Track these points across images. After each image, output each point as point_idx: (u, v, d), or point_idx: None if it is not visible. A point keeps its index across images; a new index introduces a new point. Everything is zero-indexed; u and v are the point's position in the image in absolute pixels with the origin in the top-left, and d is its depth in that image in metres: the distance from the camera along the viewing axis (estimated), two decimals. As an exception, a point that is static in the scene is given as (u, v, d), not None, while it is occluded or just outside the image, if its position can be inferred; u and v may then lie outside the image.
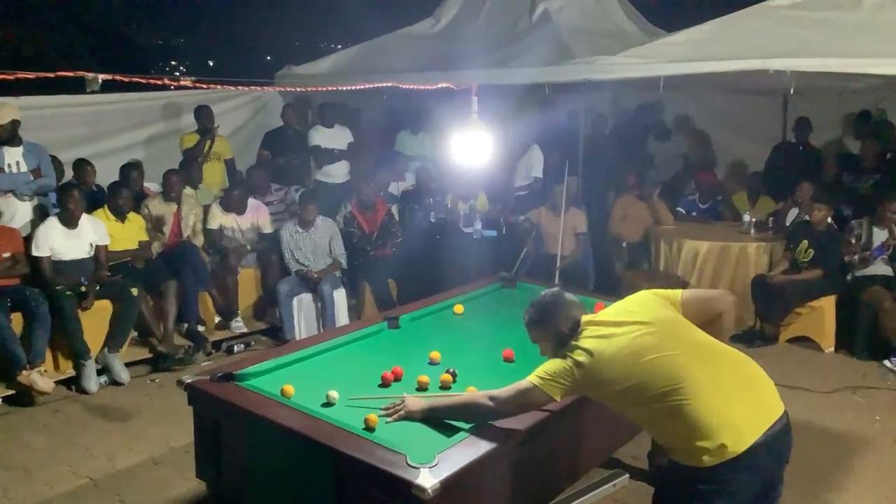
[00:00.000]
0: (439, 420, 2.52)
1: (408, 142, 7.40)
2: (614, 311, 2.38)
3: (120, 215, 5.23)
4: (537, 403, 2.35)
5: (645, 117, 7.79)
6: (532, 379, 2.30)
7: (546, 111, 7.41)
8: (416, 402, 2.59)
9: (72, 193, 4.81)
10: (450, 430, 2.49)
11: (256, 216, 5.89)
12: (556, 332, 2.38)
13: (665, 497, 2.27)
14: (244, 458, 2.72)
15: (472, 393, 2.54)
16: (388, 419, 2.56)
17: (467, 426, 2.50)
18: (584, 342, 2.25)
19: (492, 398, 2.40)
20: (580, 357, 2.22)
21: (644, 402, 2.13)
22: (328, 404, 2.73)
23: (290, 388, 2.77)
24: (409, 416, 2.55)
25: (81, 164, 5.55)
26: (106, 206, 5.23)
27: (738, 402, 2.10)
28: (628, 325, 2.24)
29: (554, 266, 5.73)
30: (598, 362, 2.19)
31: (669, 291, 2.41)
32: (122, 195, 5.23)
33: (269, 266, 5.80)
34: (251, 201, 5.90)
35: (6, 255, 4.69)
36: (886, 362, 5.08)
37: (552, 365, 2.29)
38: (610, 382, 2.18)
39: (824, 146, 6.97)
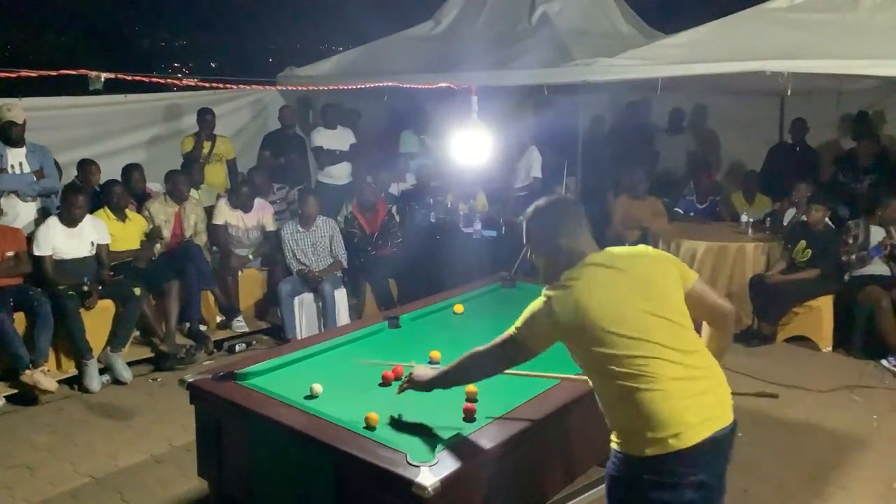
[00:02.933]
0: (444, 386, 2.47)
1: (412, 142, 7.43)
2: (628, 259, 2.15)
3: (119, 213, 5.25)
4: (519, 356, 2.20)
5: (634, 116, 7.80)
6: (511, 329, 2.16)
7: (545, 112, 7.43)
8: (423, 370, 2.56)
9: (76, 196, 4.84)
10: (450, 429, 2.51)
11: (261, 214, 5.94)
12: (549, 249, 2.19)
13: (615, 491, 2.15)
14: (245, 456, 2.74)
15: (467, 354, 2.35)
16: (398, 392, 2.59)
17: (468, 425, 2.53)
18: (576, 284, 2.06)
19: (480, 354, 2.28)
20: (561, 304, 2.03)
21: (608, 375, 2.02)
22: (311, 397, 2.77)
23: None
24: (416, 386, 2.49)
25: (86, 164, 5.58)
26: (106, 206, 5.26)
27: (697, 402, 2.01)
28: (634, 289, 2.06)
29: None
30: (580, 316, 2.01)
31: (687, 270, 2.22)
32: (116, 192, 5.25)
33: (274, 266, 5.84)
34: (257, 200, 5.94)
35: (9, 254, 4.71)
36: (884, 361, 5.10)
37: (530, 309, 2.12)
38: (584, 340, 2.03)
39: (821, 147, 6.99)
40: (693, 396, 2.01)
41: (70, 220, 4.85)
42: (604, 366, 2.02)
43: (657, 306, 2.06)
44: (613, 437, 2.11)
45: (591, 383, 2.16)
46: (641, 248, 2.25)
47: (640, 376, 1.98)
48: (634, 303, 2.05)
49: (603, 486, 3.43)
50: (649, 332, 2.01)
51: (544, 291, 2.12)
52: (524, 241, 2.31)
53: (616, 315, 2.01)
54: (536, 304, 2.12)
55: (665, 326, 2.05)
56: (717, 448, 2.03)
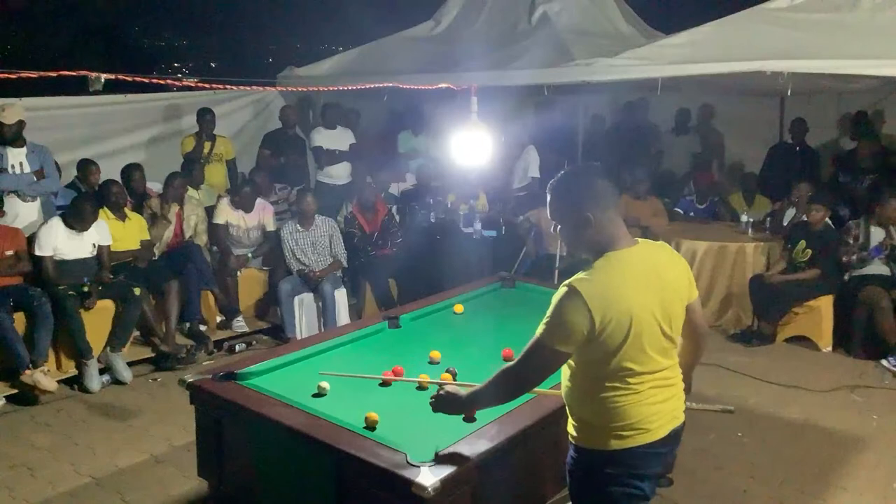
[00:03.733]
0: (479, 408, 2.34)
1: (409, 142, 7.43)
2: (655, 256, 2.09)
3: (119, 213, 5.26)
4: (552, 362, 2.00)
5: (633, 116, 7.80)
6: (537, 333, 2.00)
7: (545, 112, 7.44)
8: (453, 390, 2.33)
9: (89, 205, 4.87)
10: (450, 429, 2.51)
11: (262, 215, 5.94)
12: (578, 220, 2.04)
13: (579, 487, 2.13)
14: (245, 456, 2.75)
15: (499, 371, 2.15)
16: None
17: (469, 424, 2.53)
18: (605, 275, 1.97)
19: (511, 370, 2.10)
20: (589, 293, 1.91)
21: (596, 374, 2.00)
22: (319, 395, 2.78)
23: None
24: (446, 406, 2.30)
25: (86, 164, 5.59)
26: (105, 206, 5.26)
27: (665, 406, 2.06)
28: (654, 294, 2.00)
29: (553, 266, 5.76)
30: (605, 311, 1.91)
31: (692, 282, 2.20)
32: (114, 192, 5.25)
33: (274, 266, 5.85)
34: (258, 200, 5.95)
35: (9, 253, 4.72)
36: (884, 361, 5.10)
37: (555, 306, 1.97)
38: (597, 337, 1.93)
39: (821, 147, 6.99)
40: (663, 402, 2.06)
41: (80, 227, 4.86)
42: (599, 367, 1.99)
43: (665, 316, 2.04)
44: (573, 430, 2.10)
45: (566, 371, 2.09)
46: (666, 246, 2.22)
47: (627, 385, 2.00)
48: (652, 309, 1.99)
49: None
50: (653, 345, 2.00)
51: (567, 282, 1.98)
52: (549, 210, 2.13)
53: (635, 320, 1.95)
54: (560, 298, 1.96)
55: (663, 340, 2.04)
56: (674, 441, 2.12)
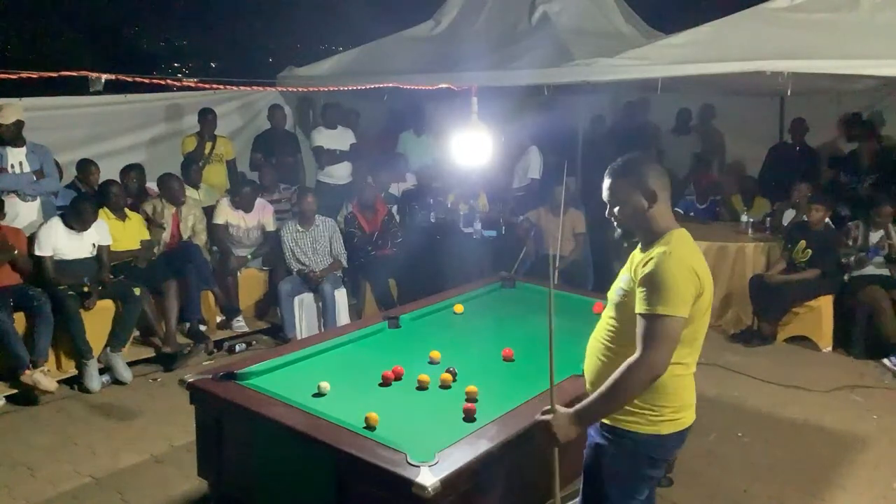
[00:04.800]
0: (608, 413, 2.12)
1: (411, 143, 7.44)
2: (698, 255, 2.13)
3: (119, 213, 5.26)
4: (680, 332, 2.00)
5: (633, 116, 7.80)
6: (654, 310, 1.95)
7: (545, 112, 7.44)
8: (563, 416, 2.12)
9: (88, 205, 4.87)
10: (450, 429, 2.51)
11: (262, 215, 5.94)
12: (645, 197, 2.12)
13: (619, 470, 2.14)
14: (245, 456, 2.75)
15: (622, 369, 2.01)
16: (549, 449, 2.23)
17: (468, 425, 2.53)
18: (685, 246, 2.08)
19: (643, 363, 1.97)
20: (689, 257, 2.04)
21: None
22: (319, 394, 2.78)
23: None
24: (564, 433, 2.11)
25: (85, 164, 5.59)
26: (105, 206, 5.26)
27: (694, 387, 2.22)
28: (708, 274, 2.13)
29: (553, 266, 5.76)
30: (703, 274, 2.05)
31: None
32: (114, 192, 5.25)
33: (274, 266, 5.85)
34: (258, 200, 5.96)
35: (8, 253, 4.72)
36: (885, 361, 5.10)
37: (662, 276, 1.97)
38: (693, 304, 2.03)
39: (821, 147, 6.99)
40: (693, 383, 2.20)
41: (80, 227, 4.87)
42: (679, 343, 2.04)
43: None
44: (625, 416, 2.10)
45: (617, 350, 2.12)
46: (697, 251, 2.21)
47: (684, 363, 2.11)
48: (712, 289, 2.12)
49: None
50: (706, 323, 2.13)
51: (661, 251, 2.03)
52: (610, 192, 2.18)
53: (706, 294, 2.07)
54: (665, 265, 1.99)
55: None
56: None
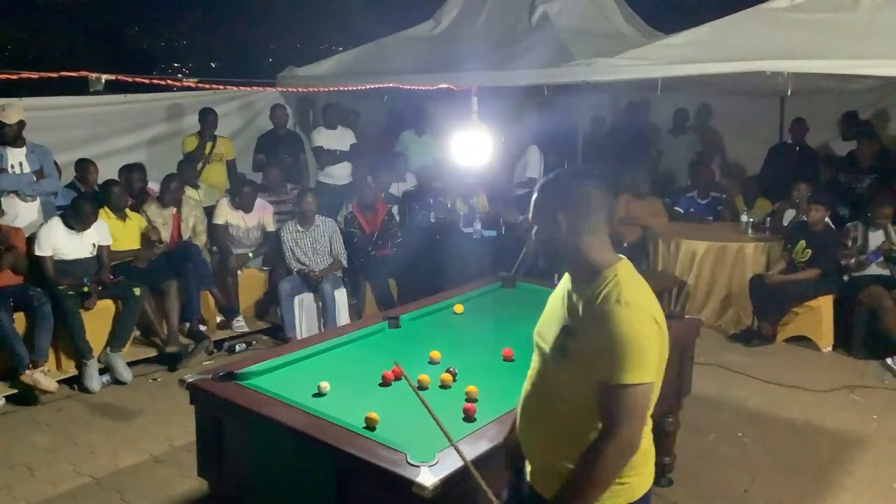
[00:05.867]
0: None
1: (411, 143, 7.44)
2: (650, 295, 1.78)
3: (119, 213, 5.26)
4: (650, 399, 1.71)
5: (634, 117, 7.80)
6: (620, 380, 1.63)
7: (545, 112, 7.44)
8: None
9: (88, 205, 4.87)
10: (450, 429, 2.50)
11: (262, 215, 5.95)
12: (574, 220, 1.75)
13: None
14: (245, 456, 2.75)
15: (588, 461, 1.70)
16: None
17: (468, 425, 2.53)
18: (636, 292, 1.71)
19: (615, 445, 1.66)
20: (648, 306, 1.69)
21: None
22: (319, 394, 2.78)
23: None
24: None
25: (84, 164, 5.59)
26: (106, 206, 5.26)
27: None
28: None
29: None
30: (661, 319, 1.72)
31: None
32: (115, 192, 5.25)
33: (274, 266, 5.85)
34: (258, 200, 5.96)
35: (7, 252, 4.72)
36: (889, 360, 5.09)
37: (621, 331, 1.64)
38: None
39: (821, 147, 7.00)
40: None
41: (80, 227, 4.87)
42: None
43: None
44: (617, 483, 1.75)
45: (573, 414, 1.77)
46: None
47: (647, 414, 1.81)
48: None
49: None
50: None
51: (618, 300, 1.68)
52: (534, 210, 1.85)
53: (666, 336, 1.76)
54: (627, 321, 1.65)
55: None
56: None
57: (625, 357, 1.63)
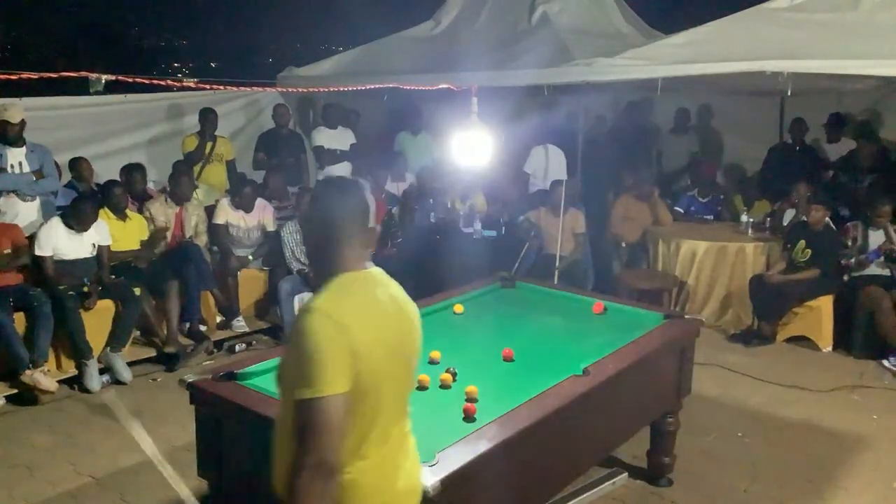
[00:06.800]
0: None
1: (407, 143, 7.44)
2: (363, 304, 1.69)
3: (119, 213, 5.26)
4: (335, 414, 1.56)
5: (635, 116, 7.80)
6: (302, 396, 1.55)
7: (545, 112, 7.44)
8: None
9: (88, 206, 4.88)
10: (450, 429, 2.51)
11: (262, 215, 5.95)
12: (325, 229, 1.72)
13: None
14: (245, 456, 2.75)
15: (286, 485, 1.61)
16: None
17: (468, 425, 2.53)
18: (337, 296, 1.66)
19: (298, 468, 1.56)
20: (333, 314, 1.60)
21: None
22: None
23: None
24: None
25: (77, 161, 5.60)
26: (106, 207, 5.26)
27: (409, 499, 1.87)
28: (403, 332, 1.75)
29: (553, 266, 5.77)
30: (362, 337, 1.61)
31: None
32: (116, 193, 5.26)
33: (275, 266, 5.85)
34: (258, 200, 5.96)
35: (6, 251, 4.72)
36: (885, 362, 5.10)
37: (298, 339, 1.59)
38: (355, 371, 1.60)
39: (811, 146, 7.00)
40: (406, 493, 1.79)
41: (80, 227, 4.87)
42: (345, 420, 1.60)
43: (410, 368, 1.80)
44: None
45: (286, 443, 1.68)
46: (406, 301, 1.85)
47: (379, 449, 1.70)
48: (402, 351, 1.74)
49: (602, 485, 3.45)
50: (398, 394, 1.74)
51: (305, 307, 1.64)
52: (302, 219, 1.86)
53: (380, 352, 1.64)
54: (303, 328, 1.58)
55: (406, 394, 1.79)
56: None
57: (302, 369, 1.55)
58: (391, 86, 5.61)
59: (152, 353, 5.17)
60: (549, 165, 7.06)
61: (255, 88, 7.39)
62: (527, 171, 7.11)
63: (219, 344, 5.50)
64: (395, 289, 1.82)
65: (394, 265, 5.90)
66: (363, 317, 1.64)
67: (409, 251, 6.08)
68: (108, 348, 4.89)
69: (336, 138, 6.99)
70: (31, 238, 4.86)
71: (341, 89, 6.57)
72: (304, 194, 5.81)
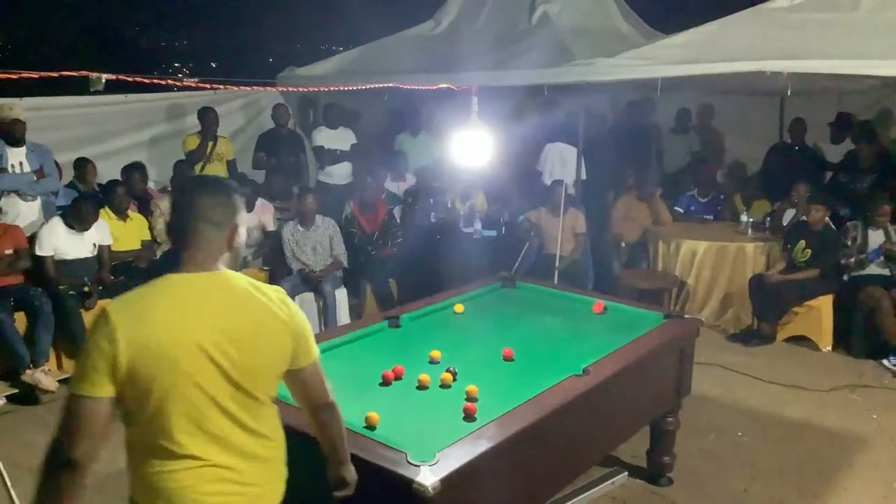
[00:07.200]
0: None
1: (407, 144, 7.44)
2: (151, 307, 1.65)
3: (120, 214, 5.26)
4: (89, 418, 1.68)
5: (635, 116, 7.80)
6: (70, 390, 1.67)
7: (545, 112, 7.44)
8: None
9: (89, 206, 4.89)
10: (450, 429, 2.51)
11: (262, 215, 5.95)
12: (181, 233, 1.74)
13: None
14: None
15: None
16: None
17: (468, 425, 2.53)
18: (125, 301, 1.67)
19: (44, 456, 1.67)
20: (111, 317, 1.61)
21: (131, 441, 1.78)
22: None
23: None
24: None
25: (82, 163, 5.59)
26: (107, 206, 5.26)
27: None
28: (224, 337, 1.70)
29: (553, 266, 5.77)
30: (136, 331, 1.62)
31: (308, 350, 2.06)
32: (118, 193, 5.26)
33: (276, 265, 5.85)
34: (258, 200, 5.96)
35: (8, 251, 4.72)
36: (885, 361, 5.10)
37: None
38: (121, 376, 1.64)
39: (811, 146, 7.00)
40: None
41: (81, 227, 4.87)
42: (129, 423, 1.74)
43: (236, 382, 1.79)
44: None
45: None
46: (276, 291, 1.93)
47: (160, 469, 1.74)
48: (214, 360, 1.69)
49: (602, 484, 3.45)
50: (201, 415, 1.71)
51: (105, 305, 1.67)
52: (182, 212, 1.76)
53: (164, 365, 1.62)
54: (91, 325, 1.65)
55: (220, 416, 1.76)
56: None
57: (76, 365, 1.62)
58: (391, 86, 5.61)
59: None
60: (566, 162, 7.07)
61: (255, 88, 7.39)
62: (539, 169, 7.11)
63: (219, 344, 5.49)
64: (245, 296, 1.77)
65: (394, 265, 5.99)
66: (158, 322, 1.61)
67: (410, 251, 6.09)
68: (109, 348, 4.88)
69: (337, 138, 6.99)
70: (32, 238, 4.86)
71: (342, 89, 6.58)
72: (304, 194, 5.81)
